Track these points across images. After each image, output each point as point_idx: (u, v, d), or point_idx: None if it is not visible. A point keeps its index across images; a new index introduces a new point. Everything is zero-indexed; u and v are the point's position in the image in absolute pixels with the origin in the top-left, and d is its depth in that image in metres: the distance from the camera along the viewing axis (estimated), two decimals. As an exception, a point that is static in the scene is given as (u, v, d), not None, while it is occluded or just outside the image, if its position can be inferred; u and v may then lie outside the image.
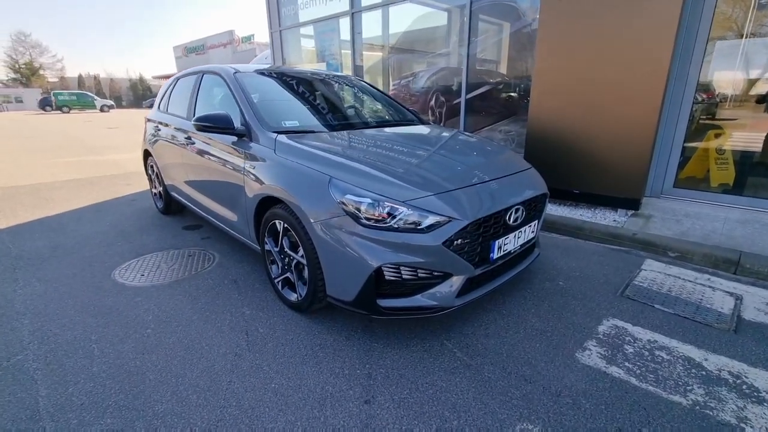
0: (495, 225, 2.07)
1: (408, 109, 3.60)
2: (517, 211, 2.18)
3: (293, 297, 2.34)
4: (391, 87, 6.42)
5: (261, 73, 3.20)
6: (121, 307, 2.45)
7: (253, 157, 2.47)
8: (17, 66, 58.93)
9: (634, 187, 3.49)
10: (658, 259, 3.06)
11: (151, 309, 2.43)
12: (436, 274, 1.96)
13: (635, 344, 2.04)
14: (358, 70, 6.61)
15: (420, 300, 1.97)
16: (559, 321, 2.26)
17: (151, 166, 4.36)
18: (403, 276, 1.93)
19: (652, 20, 3.12)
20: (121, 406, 1.65)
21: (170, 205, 4.20)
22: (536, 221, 2.40)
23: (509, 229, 2.17)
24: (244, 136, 2.59)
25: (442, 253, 1.88)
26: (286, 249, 2.31)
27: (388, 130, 2.97)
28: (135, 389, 1.75)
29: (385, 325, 2.20)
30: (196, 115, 2.71)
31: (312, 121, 2.85)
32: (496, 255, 2.11)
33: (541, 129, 3.84)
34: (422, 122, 3.46)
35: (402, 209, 1.86)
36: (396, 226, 1.86)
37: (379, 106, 3.57)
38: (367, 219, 1.86)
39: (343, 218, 1.91)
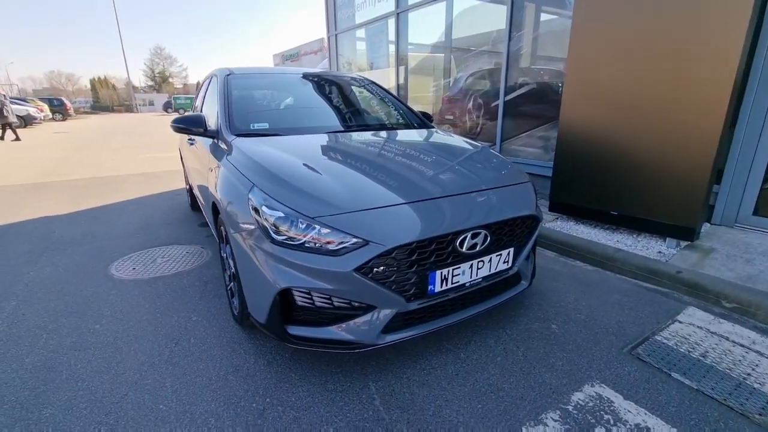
0: (438, 251, 1.71)
1: (414, 112, 3.28)
2: (475, 235, 1.78)
3: (234, 309, 2.22)
4: (441, 89, 6.04)
5: (259, 74, 3.15)
6: (93, 299, 2.56)
7: (217, 159, 2.40)
8: (153, 74, 69.71)
9: (688, 211, 2.72)
10: (705, 309, 2.34)
11: (115, 304, 2.50)
12: (355, 304, 1.67)
13: (613, 428, 1.52)
14: (402, 72, 6.37)
15: (335, 332, 1.69)
16: (525, 378, 1.80)
17: (183, 164, 4.64)
18: (316, 303, 1.68)
19: (717, 3, 2.39)
20: (16, 404, 1.66)
21: (195, 201, 4.41)
22: (511, 249, 1.95)
23: (462, 258, 1.77)
24: (215, 138, 2.55)
25: (356, 281, 1.58)
26: (226, 257, 2.19)
27: (366, 134, 2.69)
28: (41, 387, 1.76)
29: (317, 354, 1.96)
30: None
31: (284, 123, 2.71)
32: (438, 288, 1.74)
33: (573, 137, 3.22)
34: (426, 126, 3.12)
35: (314, 226, 1.61)
36: (308, 245, 1.61)
37: (373, 109, 3.30)
38: (277, 234, 1.65)
39: (256, 231, 1.72)
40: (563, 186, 3.40)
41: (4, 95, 13.43)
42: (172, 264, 3.10)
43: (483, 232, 1.81)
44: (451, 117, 5.80)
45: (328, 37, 7.99)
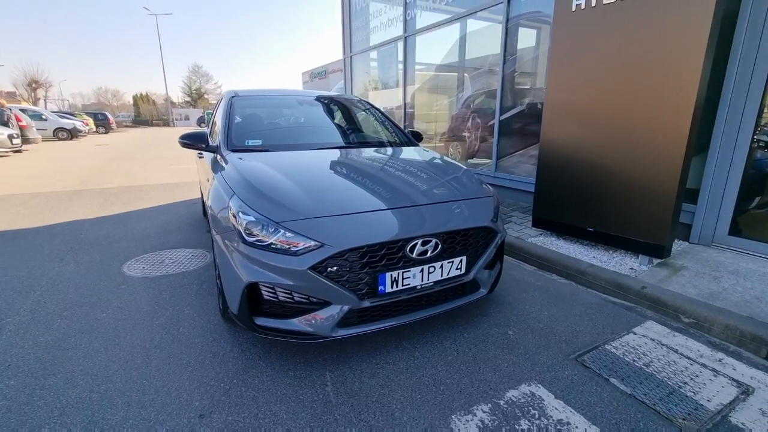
0: (389, 255, 1.92)
1: (401, 131, 3.54)
2: (426, 243, 1.98)
3: (220, 304, 2.48)
4: (445, 108, 6.27)
5: (260, 96, 3.50)
6: (104, 292, 2.90)
7: (214, 171, 2.71)
8: (190, 91, 73.79)
9: (658, 230, 2.81)
10: (664, 323, 2.42)
11: (122, 297, 2.82)
12: (313, 300, 1.90)
13: (536, 421, 1.66)
14: (409, 91, 6.66)
15: (296, 324, 1.92)
16: (468, 375, 1.96)
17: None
18: (279, 297, 1.91)
19: (680, 21, 2.53)
20: (27, 373, 1.97)
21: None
22: (463, 257, 2.14)
23: (413, 263, 1.98)
24: (215, 152, 2.88)
25: (311, 278, 1.82)
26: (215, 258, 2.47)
27: (348, 150, 2.96)
28: (49, 361, 2.06)
29: (286, 345, 2.18)
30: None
31: (276, 140, 3.01)
32: (388, 289, 1.95)
33: (552, 156, 3.37)
34: (410, 144, 3.37)
35: (279, 230, 1.86)
36: (273, 246, 1.86)
37: (361, 127, 3.58)
38: (249, 236, 1.91)
39: (233, 233, 1.99)
40: (544, 202, 3.53)
41: (10, 108, 14.31)
42: (177, 264, 3.43)
43: (433, 240, 2.01)
44: (455, 135, 6.01)
45: (344, 59, 8.44)
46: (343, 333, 1.93)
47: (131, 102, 76.49)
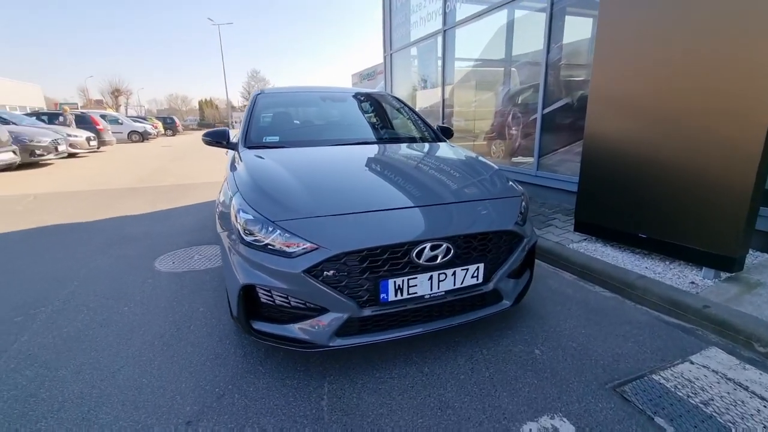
0: (393, 261, 1.74)
1: (428, 126, 3.32)
2: (436, 247, 1.78)
3: (231, 303, 2.44)
4: (486, 104, 5.92)
5: (285, 93, 3.46)
6: (132, 285, 2.99)
7: (230, 169, 2.69)
8: (248, 95, 78.32)
9: (727, 238, 2.35)
10: (731, 351, 2.01)
11: (146, 291, 2.89)
12: (310, 305, 1.77)
13: (555, 463, 1.40)
14: (449, 90, 6.39)
15: (292, 330, 1.80)
16: (481, 399, 1.73)
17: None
18: (276, 301, 1.81)
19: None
20: (42, 364, 2.03)
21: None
22: (480, 264, 1.90)
23: (421, 269, 1.78)
24: (236, 149, 2.86)
25: (306, 283, 1.69)
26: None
27: (365, 146, 2.80)
28: (64, 352, 2.11)
29: (289, 351, 2.08)
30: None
31: (293, 136, 2.93)
32: (391, 297, 1.77)
33: (598, 153, 2.98)
34: (436, 140, 3.15)
35: (275, 230, 1.75)
36: (270, 247, 1.76)
37: (383, 123, 3.40)
38: (247, 236, 1.82)
39: (233, 233, 1.91)
40: (588, 204, 3.15)
41: (72, 114, 15.61)
42: (204, 261, 3.48)
43: (445, 244, 1.79)
44: (499, 132, 5.65)
45: (384, 57, 8.32)
46: (341, 343, 1.78)
47: (198, 107, 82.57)
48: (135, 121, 25.37)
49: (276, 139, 2.82)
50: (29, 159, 9.88)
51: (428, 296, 1.83)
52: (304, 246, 1.70)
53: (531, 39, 4.74)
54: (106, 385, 1.85)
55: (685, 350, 2.03)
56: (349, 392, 1.79)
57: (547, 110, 4.48)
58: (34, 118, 14.41)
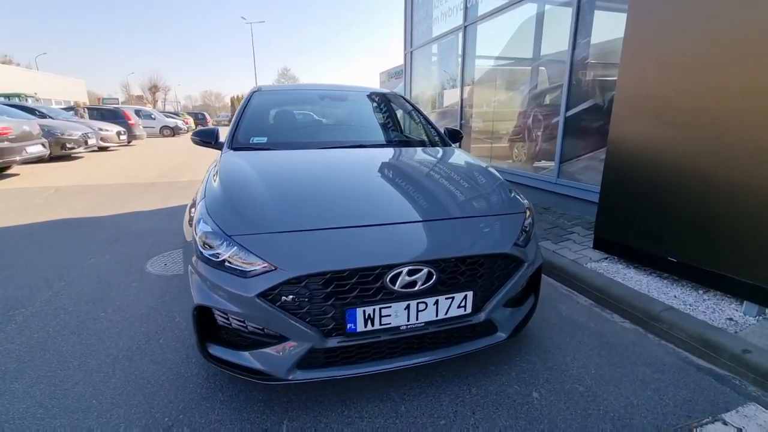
0: (362, 286, 1.50)
1: (433, 129, 3.05)
2: (414, 272, 1.53)
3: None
4: (507, 104, 5.55)
5: (283, 91, 3.28)
6: (117, 288, 2.88)
7: (209, 172, 2.52)
8: (277, 92, 79.62)
9: (776, 269, 1.97)
10: (776, 411, 1.65)
11: (129, 296, 2.77)
12: (268, 332, 1.56)
13: None
14: (468, 90, 6.05)
15: (247, 359, 1.59)
16: (459, 454, 1.47)
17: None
18: (233, 324, 1.61)
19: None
20: (1, 373, 1.92)
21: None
22: (468, 293, 1.63)
23: (396, 297, 1.54)
24: (222, 150, 2.69)
25: (261, 308, 1.48)
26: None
27: (355, 150, 2.58)
28: (27, 362, 2.00)
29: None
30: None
31: (283, 137, 2.73)
32: (360, 328, 1.53)
33: (623, 162, 2.62)
34: (440, 144, 2.88)
35: (232, 245, 1.55)
36: (227, 264, 1.56)
37: (382, 124, 3.14)
38: (204, 249, 1.63)
39: (192, 245, 1.73)
40: (610, 219, 2.79)
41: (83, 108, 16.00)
42: (196, 264, 3.35)
43: (425, 268, 1.54)
44: (522, 134, 5.28)
45: (405, 55, 8.04)
46: (302, 377, 1.56)
47: (230, 103, 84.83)
48: (167, 116, 26.19)
49: (263, 140, 2.63)
50: (60, 152, 10.22)
51: (405, 327, 1.59)
52: (263, 265, 1.49)
53: (560, 35, 4.36)
54: (53, 405, 1.71)
55: (718, 405, 1.69)
56: (309, 432, 1.57)
57: (570, 112, 4.10)
58: (72, 112, 15.07)
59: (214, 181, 2.01)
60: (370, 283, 1.51)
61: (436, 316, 1.61)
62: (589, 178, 3.97)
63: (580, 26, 3.90)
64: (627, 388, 1.80)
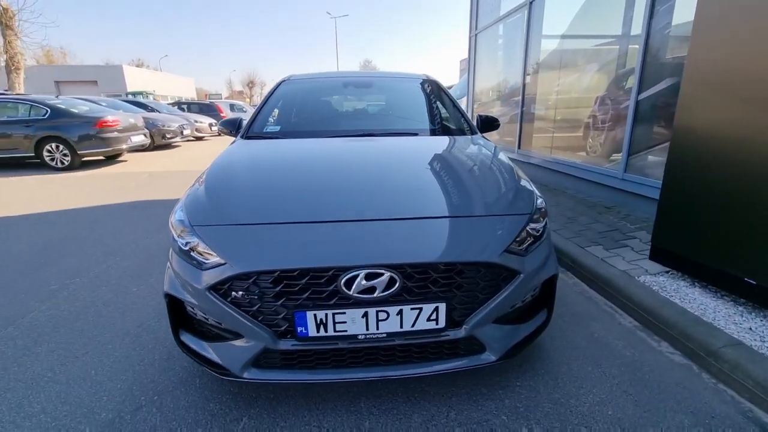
0: (314, 288, 1.38)
1: (462, 117, 2.77)
2: (374, 276, 1.36)
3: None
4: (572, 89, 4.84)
5: (312, 79, 3.24)
6: (159, 266, 3.12)
7: None
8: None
9: None
10: None
11: (163, 274, 2.98)
12: (224, 327, 1.52)
13: None
14: (531, 71, 5.44)
15: (208, 350, 1.57)
16: (409, 488, 1.28)
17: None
18: (197, 315, 1.60)
19: None
20: (44, 339, 2.18)
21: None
22: (440, 304, 1.41)
23: (353, 303, 1.38)
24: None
25: (211, 302, 1.44)
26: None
27: (367, 140, 2.42)
28: (64, 328, 2.25)
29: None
30: None
31: (296, 126, 2.69)
32: (311, 332, 1.41)
33: (692, 155, 2.07)
34: (468, 132, 2.60)
35: (193, 235, 1.53)
36: (192, 254, 1.55)
37: (407, 112, 2.92)
38: (178, 237, 1.64)
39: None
40: (672, 225, 2.26)
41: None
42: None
43: (387, 273, 1.36)
44: (601, 123, 4.57)
45: (469, 39, 7.52)
46: (254, 377, 1.49)
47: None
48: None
49: (277, 129, 2.62)
50: (161, 141, 11.66)
51: (363, 336, 1.43)
52: (215, 259, 1.44)
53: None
54: (61, 371, 1.88)
55: (779, 485, 1.26)
56: (263, 434, 1.50)
57: (644, 95, 3.42)
58: (176, 107, 17.10)
59: (208, 169, 2.03)
60: (322, 286, 1.38)
61: (401, 327, 1.42)
62: (662, 173, 3.28)
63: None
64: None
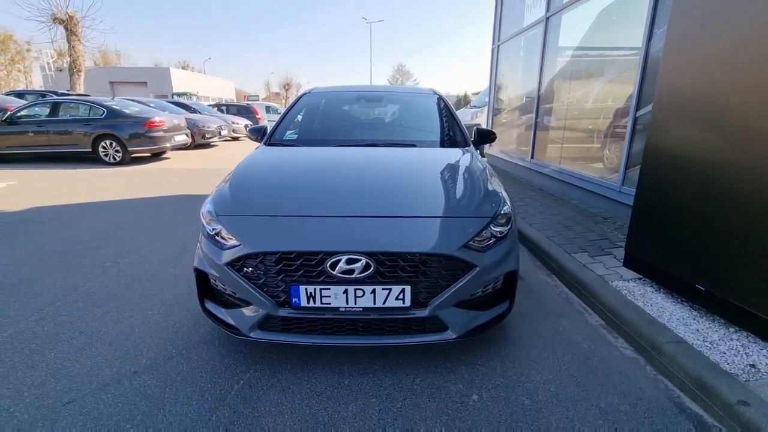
0: (306, 267, 1.75)
1: (460, 130, 3.08)
2: (354, 261, 1.72)
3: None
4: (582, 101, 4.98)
5: (330, 92, 3.64)
6: (193, 251, 3.62)
7: None
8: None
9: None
10: (750, 476, 1.39)
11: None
12: (237, 296, 1.92)
13: None
14: (545, 85, 5.61)
15: (225, 314, 1.98)
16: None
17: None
18: (218, 287, 2.01)
19: None
20: (100, 302, 2.68)
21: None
22: (406, 287, 1.74)
23: (337, 281, 1.75)
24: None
25: (228, 275, 1.84)
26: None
27: (372, 150, 2.80)
28: (116, 296, 2.75)
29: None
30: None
31: (311, 135, 3.08)
32: (304, 303, 1.78)
33: (660, 171, 2.27)
34: (462, 145, 2.92)
35: (219, 223, 1.95)
36: (216, 238, 1.96)
37: (408, 124, 3.29)
38: (206, 224, 2.06)
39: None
40: (641, 235, 2.47)
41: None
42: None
43: (364, 259, 1.72)
44: (611, 135, 4.70)
45: (492, 50, 7.72)
46: (260, 336, 1.89)
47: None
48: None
49: (294, 137, 3.03)
50: (202, 140, 12.54)
51: (344, 309, 1.78)
52: (233, 241, 1.84)
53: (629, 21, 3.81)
54: (107, 332, 2.35)
55: (679, 453, 1.50)
56: (263, 384, 1.88)
57: (641, 111, 3.57)
58: (216, 108, 18.19)
59: (234, 170, 2.45)
60: (313, 266, 1.74)
61: (374, 303, 1.76)
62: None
63: (659, 12, 3.36)
64: (577, 414, 1.69)
